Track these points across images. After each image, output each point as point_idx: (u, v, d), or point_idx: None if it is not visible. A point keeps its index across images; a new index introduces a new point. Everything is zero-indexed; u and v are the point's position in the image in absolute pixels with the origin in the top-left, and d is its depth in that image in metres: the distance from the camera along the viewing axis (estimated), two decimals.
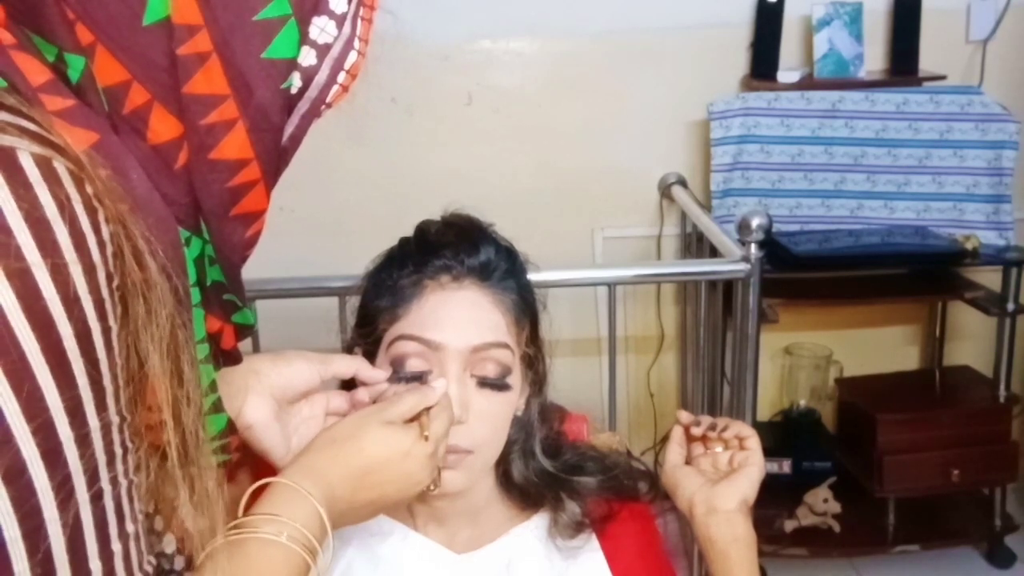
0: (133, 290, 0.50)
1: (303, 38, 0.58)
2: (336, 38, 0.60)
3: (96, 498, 0.47)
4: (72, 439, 0.46)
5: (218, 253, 0.63)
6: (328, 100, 0.62)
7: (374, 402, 0.88)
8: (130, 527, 0.51)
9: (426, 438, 0.82)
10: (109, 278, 0.48)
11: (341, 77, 0.62)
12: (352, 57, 0.62)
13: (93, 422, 0.47)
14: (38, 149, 0.46)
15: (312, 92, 0.61)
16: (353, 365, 0.92)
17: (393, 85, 2.37)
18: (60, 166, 0.47)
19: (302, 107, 0.62)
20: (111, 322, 0.48)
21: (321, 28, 0.59)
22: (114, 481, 0.49)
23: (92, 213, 0.48)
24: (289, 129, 0.62)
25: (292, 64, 0.58)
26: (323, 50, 0.60)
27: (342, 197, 2.48)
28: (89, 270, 0.47)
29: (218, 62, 0.55)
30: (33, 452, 0.44)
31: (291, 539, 0.69)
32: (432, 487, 0.86)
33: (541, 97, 2.51)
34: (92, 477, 0.47)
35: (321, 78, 0.61)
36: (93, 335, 0.47)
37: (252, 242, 0.63)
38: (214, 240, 0.62)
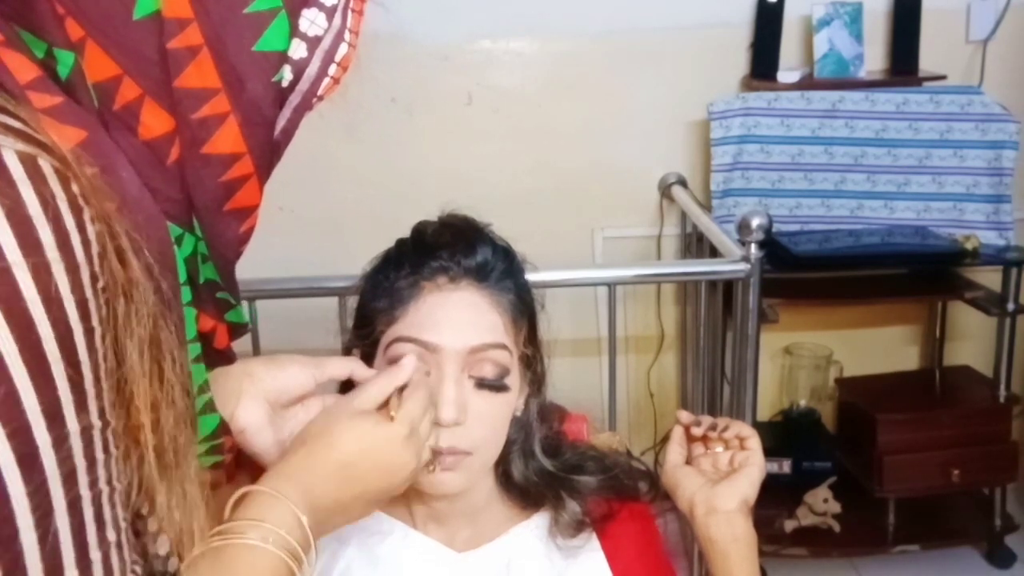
0: (116, 290, 0.49)
1: (293, 31, 0.58)
2: (326, 30, 0.60)
3: (73, 505, 0.46)
4: (49, 443, 0.44)
5: (211, 250, 0.62)
6: (319, 92, 0.62)
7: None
8: (111, 535, 0.49)
9: (392, 418, 0.79)
10: (94, 278, 0.47)
11: (332, 69, 0.62)
12: (343, 49, 0.62)
13: (72, 426, 0.45)
14: (23, 147, 0.45)
15: (303, 85, 0.61)
16: (348, 367, 0.90)
17: (393, 85, 2.37)
18: (45, 164, 0.46)
19: (293, 100, 0.61)
20: (94, 323, 0.47)
21: (311, 20, 0.59)
22: (94, 487, 0.47)
23: (77, 212, 0.47)
24: (281, 123, 0.61)
25: (283, 57, 0.58)
26: (313, 42, 0.60)
27: (342, 197, 2.48)
28: (72, 269, 0.46)
29: (209, 55, 0.55)
30: (8, 457, 0.42)
31: (274, 544, 0.67)
32: (432, 468, 0.85)
33: (541, 97, 2.51)
34: (70, 483, 0.46)
35: (312, 71, 0.61)
36: (75, 336, 0.46)
37: (245, 238, 0.63)
38: (207, 236, 0.61)
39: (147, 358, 0.51)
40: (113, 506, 0.49)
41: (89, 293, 0.47)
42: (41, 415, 0.44)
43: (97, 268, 0.47)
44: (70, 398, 0.45)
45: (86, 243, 0.47)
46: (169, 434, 0.53)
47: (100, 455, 0.48)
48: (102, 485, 0.48)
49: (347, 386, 0.93)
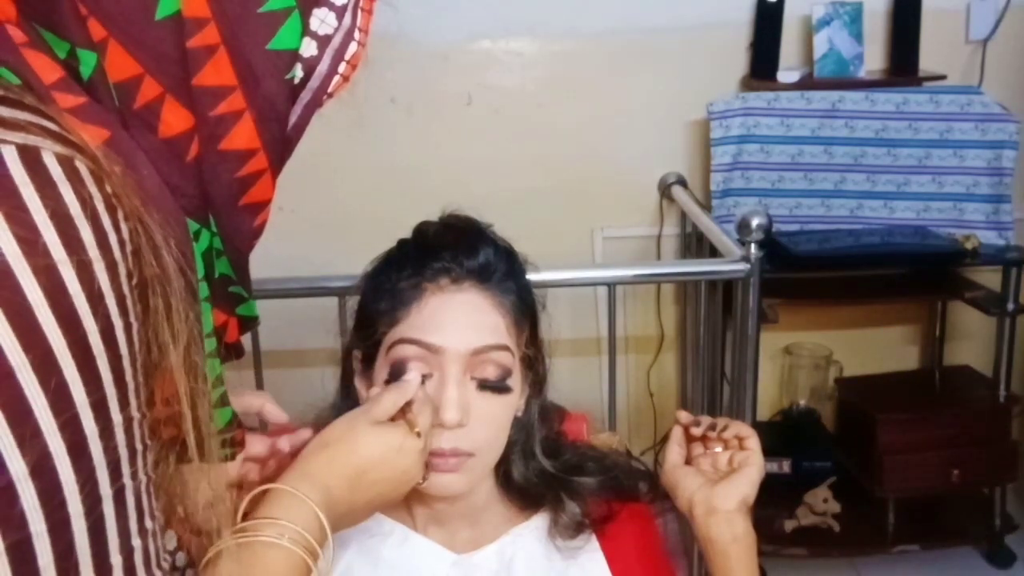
0: (151, 286, 0.50)
1: (304, 29, 0.59)
2: (336, 29, 0.61)
3: (118, 494, 0.48)
4: (97, 434, 0.46)
5: (226, 244, 0.64)
6: (330, 90, 0.63)
7: (294, 451, 0.86)
8: (148, 523, 0.51)
9: (418, 434, 0.83)
10: (129, 275, 0.49)
11: (342, 68, 0.63)
12: (353, 48, 0.63)
13: (116, 417, 0.47)
14: (60, 148, 0.47)
15: (314, 83, 0.62)
16: (258, 401, 0.91)
17: (393, 85, 2.37)
18: (81, 165, 0.47)
19: (304, 97, 0.63)
20: (132, 318, 0.49)
21: (322, 19, 0.61)
22: (135, 477, 0.49)
23: (112, 211, 0.48)
24: (292, 119, 0.63)
25: (295, 55, 0.59)
26: (324, 41, 0.61)
27: (342, 197, 2.48)
28: (111, 267, 0.47)
29: (226, 54, 0.56)
30: (60, 446, 0.44)
31: (291, 541, 0.69)
32: (422, 480, 0.87)
33: (541, 97, 2.51)
34: (115, 472, 0.47)
35: (323, 69, 0.62)
36: (116, 331, 0.47)
37: (259, 231, 0.65)
38: (222, 231, 0.62)
39: (184, 352, 0.52)
40: (150, 496, 0.51)
41: (126, 289, 0.48)
42: (89, 407, 0.45)
43: (131, 265, 0.49)
44: (114, 391, 0.47)
45: (121, 242, 0.48)
46: (204, 425, 0.55)
47: (139, 446, 0.50)
48: (141, 475, 0.50)
49: (349, 391, 0.95)
